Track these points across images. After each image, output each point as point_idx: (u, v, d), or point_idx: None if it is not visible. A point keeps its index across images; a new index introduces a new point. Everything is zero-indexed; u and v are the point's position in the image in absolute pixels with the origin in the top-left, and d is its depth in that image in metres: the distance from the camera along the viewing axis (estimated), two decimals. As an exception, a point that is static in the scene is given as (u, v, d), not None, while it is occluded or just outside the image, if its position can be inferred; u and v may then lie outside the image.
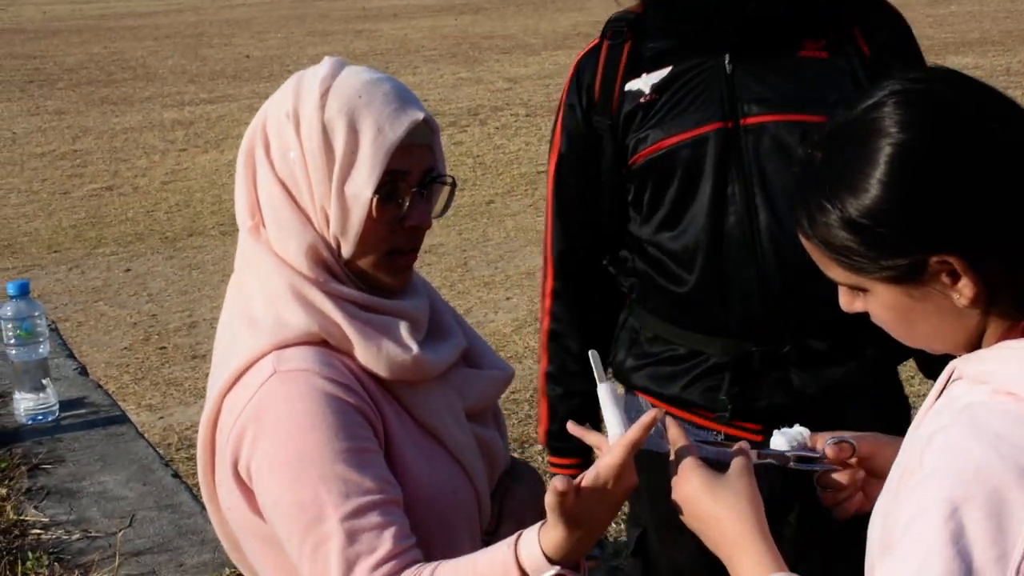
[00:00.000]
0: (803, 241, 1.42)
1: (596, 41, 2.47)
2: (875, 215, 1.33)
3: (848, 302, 1.44)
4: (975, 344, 1.38)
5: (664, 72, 2.35)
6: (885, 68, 2.20)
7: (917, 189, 1.31)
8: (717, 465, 1.56)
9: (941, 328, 1.38)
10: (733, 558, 1.47)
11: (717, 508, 1.49)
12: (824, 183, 1.37)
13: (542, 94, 14.75)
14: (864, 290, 1.40)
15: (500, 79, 17.03)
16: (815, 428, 1.69)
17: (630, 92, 2.37)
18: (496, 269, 8.11)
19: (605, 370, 1.75)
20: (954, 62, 15.65)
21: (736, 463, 1.53)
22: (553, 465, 2.56)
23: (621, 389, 1.69)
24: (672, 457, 1.58)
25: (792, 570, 1.43)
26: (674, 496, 1.54)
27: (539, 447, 5.11)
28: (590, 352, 1.71)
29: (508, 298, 7.44)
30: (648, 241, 2.41)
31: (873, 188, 1.33)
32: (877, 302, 1.40)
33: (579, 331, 2.55)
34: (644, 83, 2.36)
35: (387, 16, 28.29)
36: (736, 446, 1.59)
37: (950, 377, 1.39)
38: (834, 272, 1.41)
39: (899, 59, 2.31)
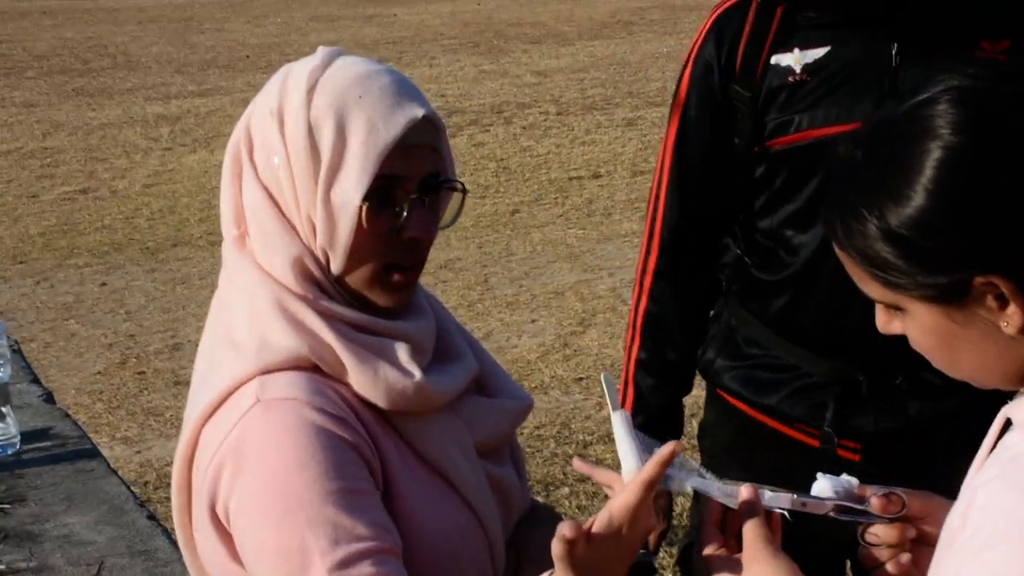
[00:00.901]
0: (837, 250, 1.43)
1: None
2: (917, 226, 1.33)
3: (885, 322, 1.45)
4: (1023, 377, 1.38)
5: (821, 52, 2.36)
6: None
7: (966, 199, 1.32)
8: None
9: (986, 357, 1.39)
10: None
11: None
12: (863, 187, 1.38)
13: (575, 90, 14.80)
14: (902, 309, 1.40)
15: (528, 72, 17.07)
16: (925, 457, 1.68)
17: (777, 67, 2.39)
18: (520, 288, 8.11)
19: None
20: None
21: (750, 532, 1.53)
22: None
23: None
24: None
25: None
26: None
27: (566, 491, 5.11)
28: (603, 375, 1.70)
29: (533, 320, 7.44)
30: (767, 233, 2.44)
31: (917, 196, 1.33)
32: (916, 324, 1.40)
33: (682, 318, 2.59)
34: (796, 60, 2.38)
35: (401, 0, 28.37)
36: (743, 495, 1.58)
37: (1005, 424, 1.40)
38: (869, 287, 1.42)
39: None
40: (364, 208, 1.72)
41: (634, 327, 2.62)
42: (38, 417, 3.58)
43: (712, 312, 2.57)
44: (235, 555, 1.75)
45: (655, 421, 2.41)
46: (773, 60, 2.38)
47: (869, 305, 2.26)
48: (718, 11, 2.47)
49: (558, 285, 7.78)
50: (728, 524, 1.59)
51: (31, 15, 27.67)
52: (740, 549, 1.55)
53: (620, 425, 1.63)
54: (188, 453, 1.80)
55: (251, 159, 1.79)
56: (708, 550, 1.56)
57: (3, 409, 3.39)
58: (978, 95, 1.35)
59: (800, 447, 2.33)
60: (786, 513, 1.59)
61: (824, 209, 1.45)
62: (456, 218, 1.87)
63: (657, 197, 2.57)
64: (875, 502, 1.61)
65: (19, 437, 3.40)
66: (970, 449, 2.04)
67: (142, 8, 28.60)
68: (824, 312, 2.36)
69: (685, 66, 2.52)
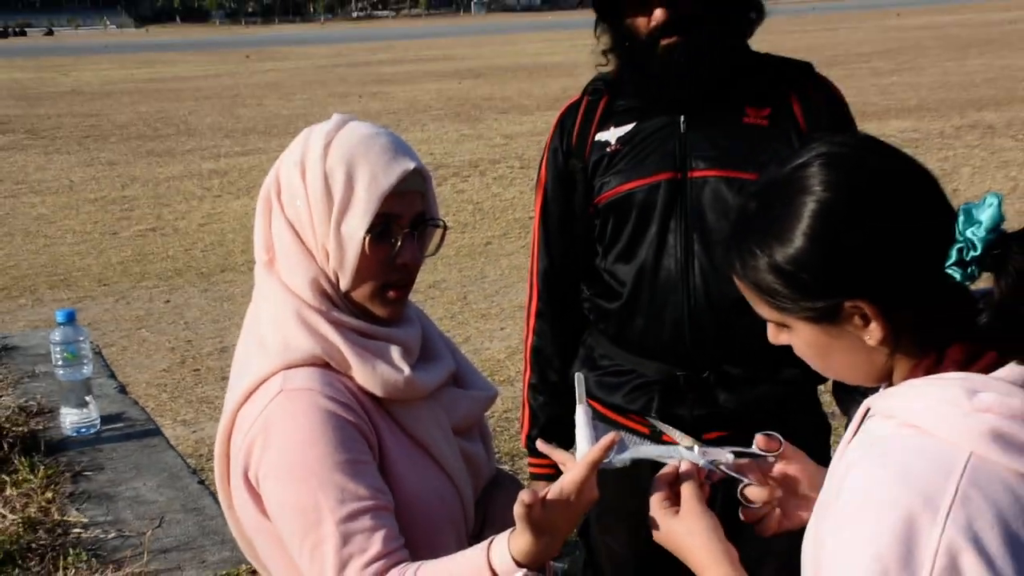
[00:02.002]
0: (736, 281, 1.42)
1: (578, 96, 2.52)
2: (798, 262, 1.33)
3: (774, 335, 1.44)
4: (884, 377, 1.38)
5: (629, 127, 2.40)
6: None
7: (835, 242, 1.31)
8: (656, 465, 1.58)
9: (854, 363, 1.38)
10: None
11: (688, 540, 1.50)
12: (756, 231, 1.37)
13: (535, 149, 14.81)
14: (788, 326, 1.40)
15: (498, 135, 17.11)
16: (737, 440, 1.68)
17: (599, 142, 2.43)
18: (492, 303, 8.11)
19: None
20: (895, 125, 15.77)
21: (688, 492, 1.53)
22: (532, 466, 2.62)
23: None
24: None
25: None
26: (660, 532, 1.55)
27: (527, 462, 5.10)
28: (576, 374, 1.70)
29: (502, 328, 7.43)
30: (606, 271, 2.45)
31: (797, 239, 1.32)
32: (799, 338, 1.40)
33: (559, 347, 2.59)
34: (611, 135, 2.41)
35: (399, 80, 28.47)
36: (687, 456, 1.59)
37: (866, 412, 1.39)
38: (762, 309, 1.41)
39: (832, 126, 2.34)
40: (367, 239, 1.71)
41: (525, 359, 2.65)
42: (113, 404, 3.55)
43: (582, 338, 2.57)
44: (264, 512, 1.73)
45: (547, 434, 2.41)
46: (596, 137, 2.43)
47: (679, 319, 2.32)
48: (561, 111, 2.53)
49: (521, 301, 7.74)
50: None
51: (115, 94, 27.65)
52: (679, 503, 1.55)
53: (581, 417, 1.63)
54: (227, 432, 1.78)
55: (279, 200, 1.78)
56: (655, 500, 1.55)
57: (86, 398, 3.36)
58: (843, 159, 1.35)
59: (637, 436, 2.35)
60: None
61: (724, 249, 1.44)
62: (438, 248, 1.85)
63: (533, 254, 2.61)
64: (759, 439, 1.60)
65: (99, 420, 3.37)
66: (775, 429, 2.05)
67: (199, 88, 28.60)
68: (646, 326, 2.38)
69: (543, 153, 2.57)
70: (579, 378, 1.68)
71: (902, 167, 1.35)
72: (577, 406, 1.64)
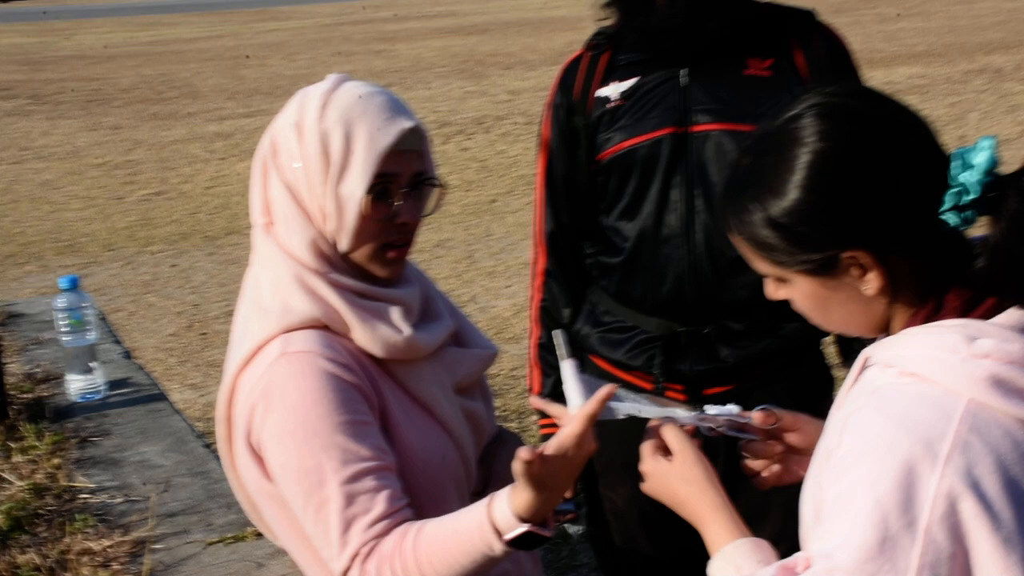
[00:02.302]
0: (731, 237, 1.41)
1: (579, 52, 2.49)
2: (794, 215, 1.32)
3: (772, 291, 1.43)
4: (883, 328, 1.38)
5: (631, 82, 2.38)
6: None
7: (831, 192, 1.31)
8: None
9: (852, 314, 1.38)
10: (704, 528, 1.47)
11: (683, 488, 1.50)
12: (750, 185, 1.36)
13: (540, 104, 14.54)
14: (785, 280, 1.39)
15: (503, 92, 17.03)
16: (740, 396, 1.68)
17: (601, 97, 2.40)
18: (498, 260, 8.10)
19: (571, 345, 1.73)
20: (902, 72, 15.66)
21: (678, 440, 1.53)
22: (543, 426, 2.60)
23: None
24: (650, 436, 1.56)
25: None
26: (651, 480, 1.54)
27: (537, 415, 5.11)
28: (554, 332, 1.70)
29: (508, 286, 7.43)
30: (609, 228, 2.44)
31: (792, 191, 1.32)
32: (797, 291, 1.39)
33: (565, 306, 2.58)
34: (614, 90, 2.39)
35: (403, 37, 28.31)
36: (683, 417, 1.59)
37: (865, 362, 1.38)
38: (759, 265, 1.40)
39: (836, 75, 2.32)
40: (366, 199, 1.70)
41: (532, 319, 2.63)
42: (119, 370, 3.56)
43: (586, 295, 2.56)
44: (267, 474, 1.74)
45: (558, 392, 2.41)
46: (598, 93, 2.41)
47: (680, 274, 2.30)
48: (563, 67, 2.51)
49: (527, 258, 7.68)
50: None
51: (118, 58, 27.51)
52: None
53: (568, 371, 1.62)
54: (228, 396, 1.78)
55: (275, 162, 1.77)
56: (647, 448, 1.55)
57: (92, 364, 3.37)
58: (835, 109, 1.34)
59: (640, 391, 2.34)
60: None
61: (719, 205, 1.44)
62: (436, 208, 1.84)
63: (537, 213, 2.59)
64: (756, 415, 1.60)
65: (105, 385, 3.38)
66: (777, 384, 2.03)
67: (202, 50, 28.46)
68: (648, 282, 2.37)
69: (544, 110, 2.54)
70: (558, 335, 1.68)
71: (895, 115, 1.34)
72: (561, 362, 1.64)
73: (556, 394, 2.47)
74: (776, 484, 1.62)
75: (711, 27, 2.26)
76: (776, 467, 1.60)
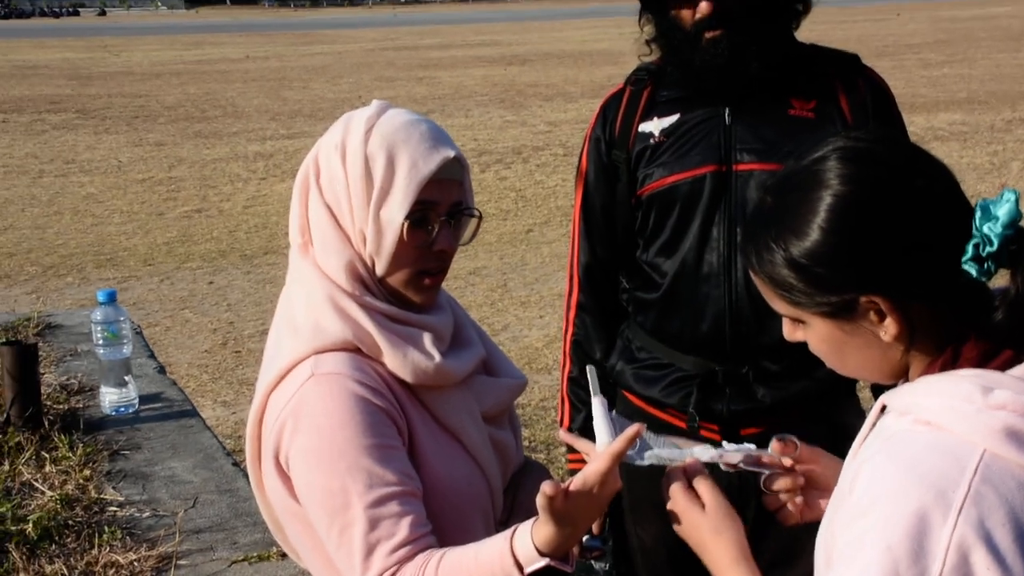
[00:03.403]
0: (752, 275, 1.42)
1: (621, 86, 2.50)
2: (814, 256, 1.32)
3: (790, 332, 1.43)
4: (900, 375, 1.37)
5: (673, 118, 2.38)
6: None
7: (851, 236, 1.31)
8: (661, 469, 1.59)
9: (869, 359, 1.37)
10: None
11: (714, 540, 1.50)
12: (772, 225, 1.37)
13: (578, 136, 14.61)
14: (803, 322, 1.39)
15: (542, 123, 17.07)
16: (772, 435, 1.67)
17: (643, 133, 2.40)
18: (532, 291, 8.10)
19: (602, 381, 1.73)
20: (944, 118, 15.57)
21: (706, 488, 1.53)
22: (571, 461, 2.59)
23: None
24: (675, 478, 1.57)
25: (755, 552, 1.46)
26: (683, 527, 1.55)
27: (564, 448, 5.09)
28: (588, 367, 1.70)
29: (541, 316, 7.42)
30: (647, 263, 2.43)
31: (814, 233, 1.32)
32: (814, 333, 1.39)
33: (598, 341, 2.57)
34: (655, 126, 2.39)
35: (445, 65, 28.47)
36: (692, 453, 1.59)
37: (882, 409, 1.38)
38: (777, 304, 1.40)
39: (878, 121, 2.32)
40: (405, 225, 1.71)
41: (564, 353, 2.63)
42: (152, 384, 3.58)
43: (619, 330, 2.55)
44: (293, 494, 1.74)
45: (588, 427, 2.40)
46: (640, 128, 2.41)
47: (719, 313, 2.29)
48: (604, 100, 2.51)
49: (561, 289, 7.67)
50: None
51: (164, 75, 27.83)
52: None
53: (598, 408, 1.63)
54: (258, 414, 1.79)
55: (318, 183, 1.77)
56: (679, 492, 1.54)
57: (126, 378, 3.39)
58: (859, 154, 1.34)
59: (675, 429, 2.33)
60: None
61: (742, 242, 1.44)
62: (473, 238, 1.85)
63: (573, 246, 2.58)
64: (775, 444, 1.60)
65: (137, 399, 3.40)
66: (812, 426, 2.02)
67: (246, 71, 28.73)
68: (686, 319, 2.36)
69: (584, 143, 2.54)
70: (591, 371, 1.68)
71: (919, 162, 1.34)
72: (592, 398, 1.64)
73: (586, 429, 2.46)
74: (800, 520, 1.61)
75: (755, 67, 2.27)
76: (799, 499, 1.60)
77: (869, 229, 1.30)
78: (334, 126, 1.80)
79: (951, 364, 1.32)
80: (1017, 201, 1.27)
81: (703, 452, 1.59)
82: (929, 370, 1.33)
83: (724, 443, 1.63)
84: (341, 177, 1.74)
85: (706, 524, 1.51)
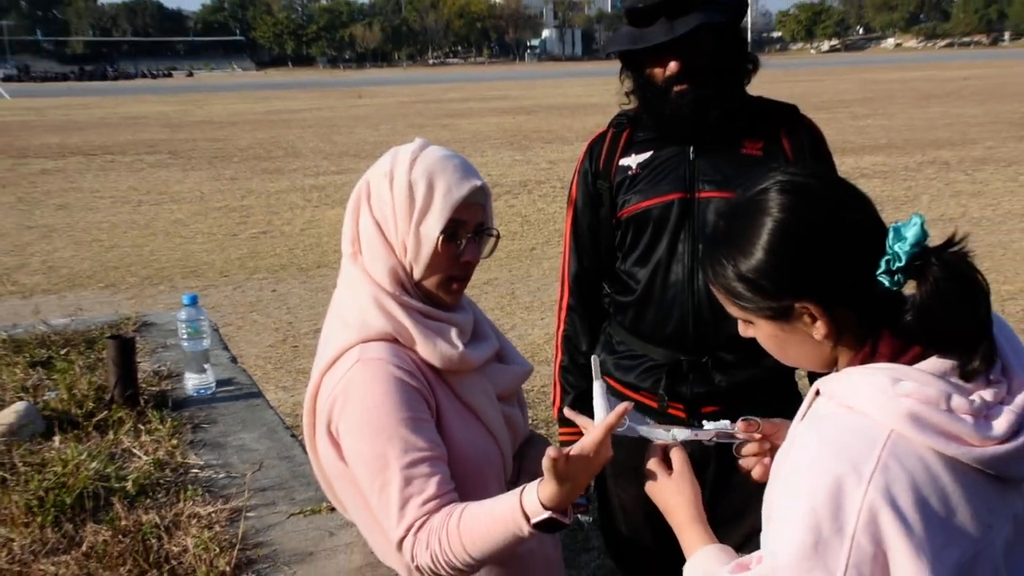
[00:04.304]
0: (710, 285, 1.41)
1: (604, 128, 2.50)
2: (758, 271, 1.32)
3: (743, 330, 1.43)
4: (831, 365, 1.37)
5: (647, 154, 2.38)
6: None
7: (788, 255, 1.30)
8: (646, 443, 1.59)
9: (805, 353, 1.37)
10: (682, 535, 1.50)
11: (676, 499, 1.51)
12: (724, 245, 1.36)
13: (574, 170, 14.77)
14: (752, 323, 1.39)
15: (544, 161, 17.08)
16: (730, 414, 1.67)
17: (623, 166, 2.41)
18: (535, 297, 8.08)
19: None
20: (869, 160, 15.56)
21: (679, 460, 1.54)
22: (562, 434, 2.58)
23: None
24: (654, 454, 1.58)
25: (714, 506, 1.44)
26: (650, 488, 1.56)
27: (558, 423, 5.07)
28: (593, 357, 1.69)
29: (543, 318, 7.40)
30: (625, 273, 2.43)
31: (758, 252, 1.32)
32: (761, 332, 1.39)
33: (585, 336, 2.57)
34: (633, 161, 2.39)
35: (465, 115, 28.50)
36: (681, 436, 1.58)
37: (817, 392, 1.38)
38: (731, 309, 1.40)
39: (813, 158, 2.33)
40: (440, 239, 1.71)
41: (556, 346, 2.62)
42: (226, 371, 3.57)
43: (603, 328, 2.55)
44: (342, 458, 1.73)
45: (575, 406, 2.38)
46: (620, 163, 2.41)
47: (684, 313, 2.29)
48: (590, 140, 2.51)
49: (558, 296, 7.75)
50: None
51: (238, 123, 27.92)
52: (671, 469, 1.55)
53: (598, 390, 1.62)
54: (314, 393, 1.78)
55: (368, 202, 1.77)
56: (654, 461, 1.56)
57: (205, 366, 3.38)
58: (795, 186, 1.33)
59: (647, 409, 2.33)
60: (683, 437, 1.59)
61: (701, 258, 1.44)
62: (492, 253, 1.83)
63: (564, 258, 2.58)
64: (740, 424, 1.59)
65: (214, 383, 3.39)
66: (760, 405, 2.02)
67: (305, 119, 28.81)
68: (656, 319, 2.36)
69: (574, 175, 2.54)
70: (595, 360, 1.67)
71: (844, 193, 1.34)
72: (594, 382, 1.63)
73: (575, 407, 2.45)
74: (765, 477, 1.60)
75: (714, 115, 2.27)
76: (767, 461, 1.59)
77: (802, 249, 1.30)
78: (383, 158, 1.80)
79: (870, 358, 1.31)
80: (922, 225, 1.27)
81: (680, 433, 1.59)
82: (853, 362, 1.33)
83: (704, 423, 1.62)
84: (388, 198, 1.73)
85: (670, 487, 1.52)
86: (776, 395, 2.35)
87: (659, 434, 1.59)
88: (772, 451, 1.59)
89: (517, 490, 1.60)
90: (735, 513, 2.24)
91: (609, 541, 2.67)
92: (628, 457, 1.95)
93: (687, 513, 1.49)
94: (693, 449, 1.62)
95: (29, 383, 3.39)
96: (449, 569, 1.62)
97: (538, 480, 1.58)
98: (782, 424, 1.58)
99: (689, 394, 2.34)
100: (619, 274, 2.44)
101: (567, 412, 1.67)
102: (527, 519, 1.56)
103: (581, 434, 1.60)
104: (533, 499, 1.56)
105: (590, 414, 1.63)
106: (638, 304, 2.38)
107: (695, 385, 2.34)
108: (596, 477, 2.45)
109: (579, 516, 2.39)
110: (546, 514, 1.55)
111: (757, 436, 1.59)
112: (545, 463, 1.52)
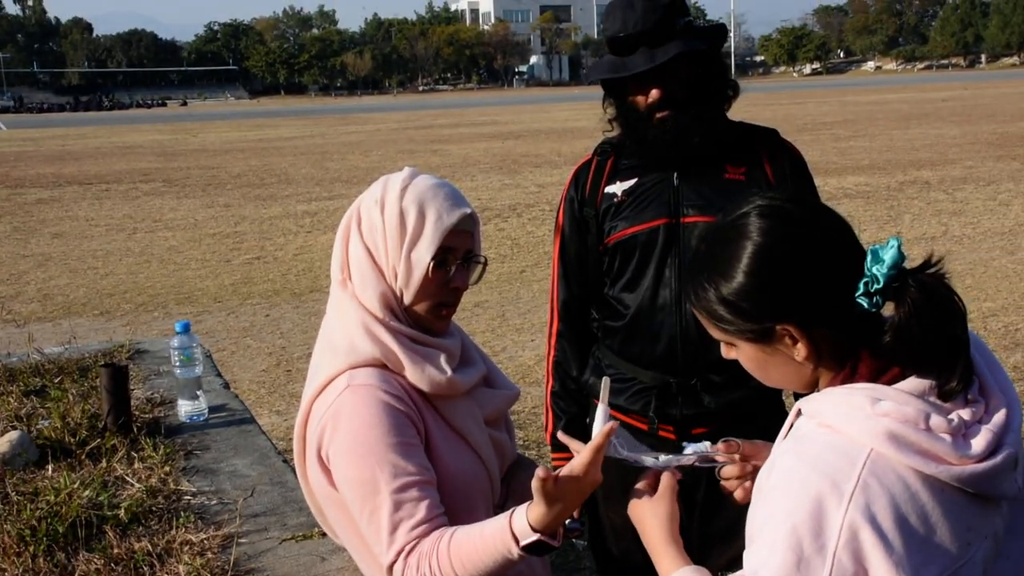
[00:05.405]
0: (692, 309, 1.41)
1: (589, 156, 2.49)
2: (739, 294, 1.32)
3: (726, 352, 1.42)
4: (812, 386, 1.36)
5: (632, 181, 2.38)
6: (784, 187, 2.24)
7: (768, 278, 1.30)
8: (642, 469, 1.57)
9: (786, 374, 1.37)
10: (655, 556, 1.48)
11: (651, 520, 1.50)
12: (705, 269, 1.36)
13: (560, 197, 14.79)
14: (734, 345, 1.38)
15: (532, 185, 17.11)
16: (719, 434, 1.66)
17: (608, 193, 2.40)
18: (525, 319, 8.07)
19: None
20: (851, 180, 15.64)
21: (664, 484, 1.53)
22: (555, 459, 2.56)
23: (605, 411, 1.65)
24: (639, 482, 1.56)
25: (704, 527, 1.42)
26: (630, 507, 1.55)
27: (550, 447, 5.05)
28: (604, 379, 1.66)
29: (532, 340, 7.39)
30: (613, 298, 2.42)
31: (739, 276, 1.31)
32: (743, 354, 1.38)
33: (575, 361, 2.55)
34: (618, 188, 2.39)
35: (455, 140, 28.58)
36: (664, 461, 1.57)
37: (798, 412, 1.37)
38: (712, 331, 1.40)
39: (794, 182, 2.32)
40: (431, 265, 1.71)
41: (547, 372, 2.61)
42: (219, 397, 3.55)
43: (592, 352, 2.53)
44: (332, 483, 1.72)
45: (567, 430, 2.36)
46: (606, 190, 2.40)
47: (672, 337, 2.29)
48: (575, 167, 2.50)
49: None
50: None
51: (231, 151, 27.94)
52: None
53: (600, 413, 1.60)
54: (304, 419, 1.77)
55: (359, 228, 1.77)
56: (641, 483, 1.55)
57: (198, 392, 3.36)
58: (774, 211, 1.33)
59: (637, 431, 2.32)
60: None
61: (684, 282, 1.43)
62: (479, 279, 1.83)
63: (553, 285, 2.57)
64: (721, 446, 1.59)
65: (207, 410, 3.37)
66: (748, 425, 2.01)
67: (296, 147, 28.84)
68: (645, 342, 2.35)
69: (560, 203, 2.53)
70: (605, 382, 1.64)
71: (822, 217, 1.34)
72: (600, 405, 1.61)
73: (568, 432, 2.43)
74: (747, 499, 1.59)
75: (696, 141, 2.27)
76: (748, 483, 1.58)
77: (782, 271, 1.29)
78: (373, 185, 1.80)
79: (850, 378, 1.31)
80: (900, 247, 1.27)
81: (664, 457, 1.57)
82: (833, 382, 1.33)
83: (685, 444, 1.61)
84: (379, 225, 1.73)
85: (648, 508, 1.51)
86: (764, 415, 2.34)
87: (643, 458, 1.58)
88: (753, 473, 1.58)
89: (506, 513, 1.59)
90: (725, 533, 2.23)
91: (600, 562, 2.65)
92: (618, 480, 1.94)
93: (660, 534, 1.47)
94: (685, 471, 1.61)
95: (23, 412, 3.37)
96: (439, 592, 1.61)
97: (527, 503, 1.57)
98: (763, 446, 1.57)
99: (679, 416, 2.33)
100: (608, 299, 2.43)
101: (560, 436, 1.66)
102: (516, 541, 1.55)
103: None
104: (522, 522, 1.55)
105: (582, 438, 1.62)
106: (627, 328, 2.38)
107: (684, 407, 2.33)
108: (587, 502, 2.45)
109: (573, 540, 2.37)
110: (535, 536, 1.54)
111: (737, 458, 1.59)
112: (534, 484, 1.51)
